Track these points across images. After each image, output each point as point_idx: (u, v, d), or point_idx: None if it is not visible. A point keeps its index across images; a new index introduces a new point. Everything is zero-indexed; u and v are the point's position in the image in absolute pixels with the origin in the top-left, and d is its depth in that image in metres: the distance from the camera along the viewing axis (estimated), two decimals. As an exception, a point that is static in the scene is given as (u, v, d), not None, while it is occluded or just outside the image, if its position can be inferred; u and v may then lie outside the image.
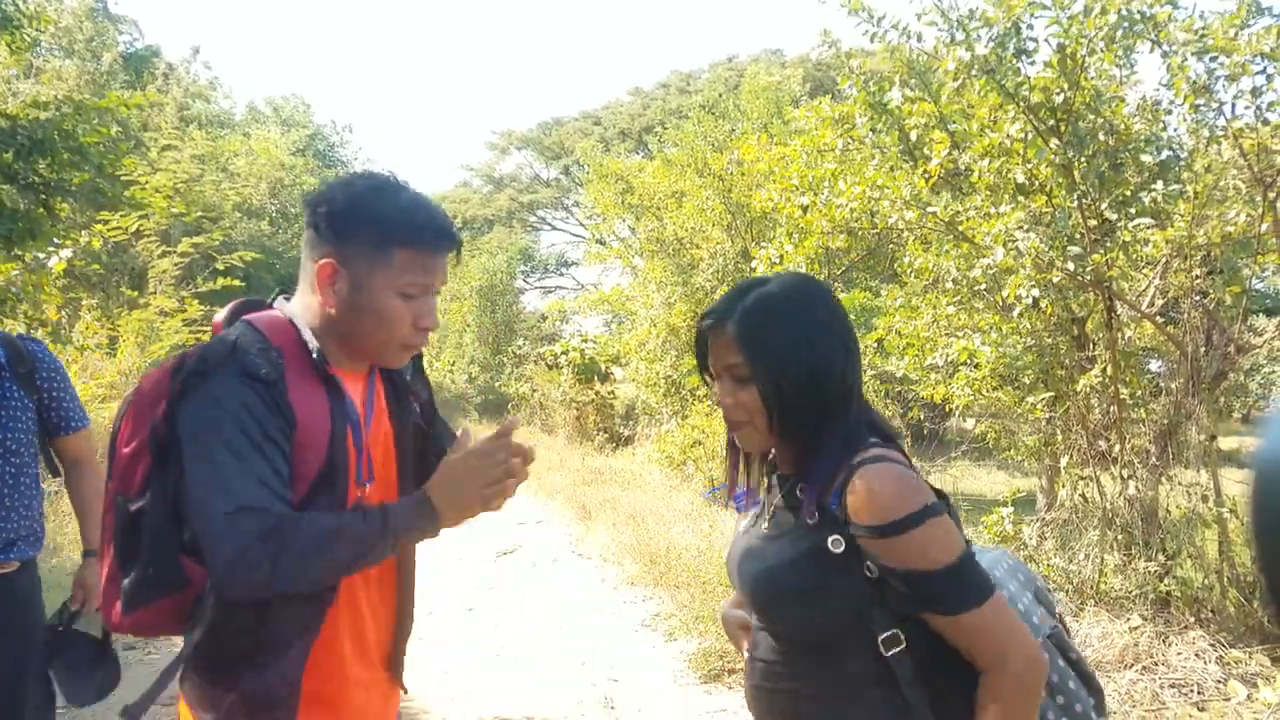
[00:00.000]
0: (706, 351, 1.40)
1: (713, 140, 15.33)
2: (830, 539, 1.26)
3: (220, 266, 12.02)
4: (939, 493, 1.29)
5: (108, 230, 6.27)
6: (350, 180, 1.47)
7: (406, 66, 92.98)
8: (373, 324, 1.42)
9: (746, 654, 1.42)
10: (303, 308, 1.45)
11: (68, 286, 5.69)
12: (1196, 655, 4.55)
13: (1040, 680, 1.23)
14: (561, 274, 42.95)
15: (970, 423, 9.32)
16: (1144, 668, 4.51)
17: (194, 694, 1.38)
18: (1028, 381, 6.14)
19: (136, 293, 10.96)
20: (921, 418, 10.86)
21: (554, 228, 42.54)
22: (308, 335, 1.41)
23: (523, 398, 19.37)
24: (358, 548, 1.28)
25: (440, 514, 1.32)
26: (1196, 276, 5.65)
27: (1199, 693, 4.29)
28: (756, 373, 1.32)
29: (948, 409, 7.13)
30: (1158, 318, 5.71)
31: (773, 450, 1.42)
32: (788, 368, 1.31)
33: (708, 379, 1.42)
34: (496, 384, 21.44)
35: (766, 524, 1.38)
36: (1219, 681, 4.33)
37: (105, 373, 9.19)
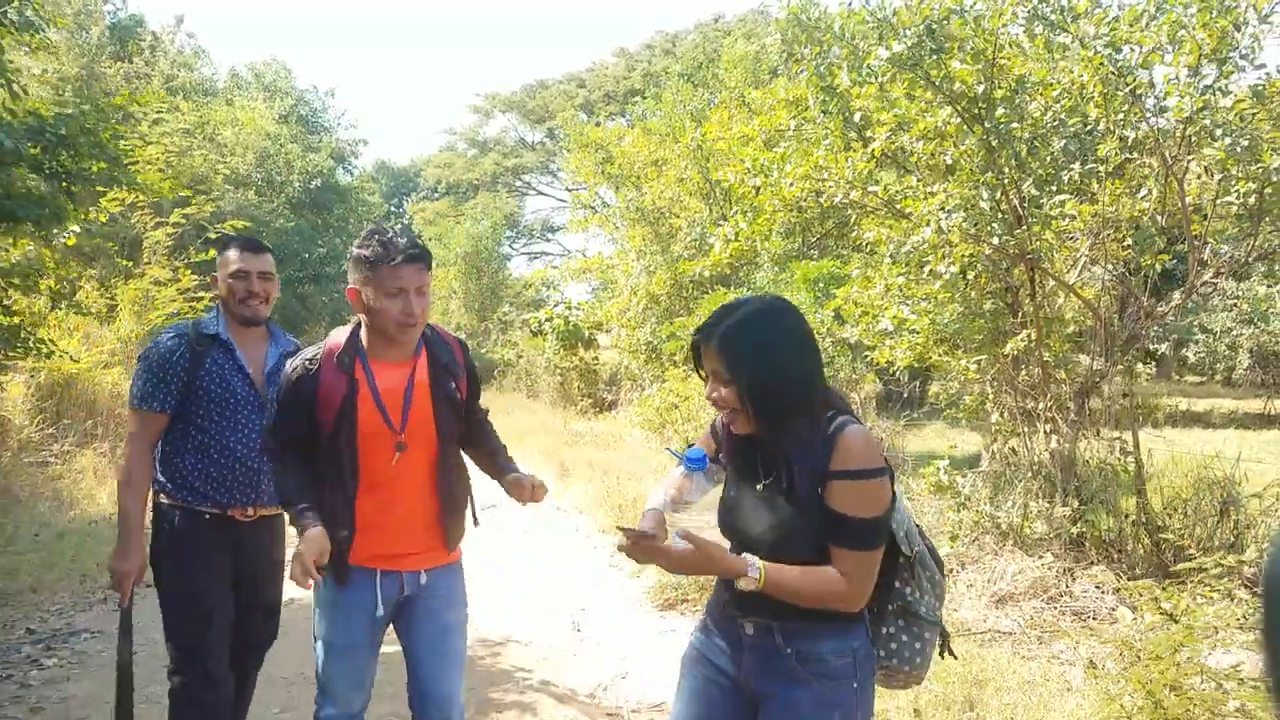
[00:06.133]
0: (700, 358, 1.82)
1: (691, 109, 15.71)
2: (817, 488, 1.70)
3: (212, 236, 12.42)
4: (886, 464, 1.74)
5: (107, 203, 6.70)
6: (357, 239, 2.30)
7: (388, 27, 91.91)
8: (378, 318, 2.24)
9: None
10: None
11: (63, 261, 6.14)
12: (1097, 588, 5.14)
13: (843, 606, 1.70)
14: (547, 239, 43.22)
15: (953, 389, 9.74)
16: (1050, 598, 5.10)
17: None
18: (975, 344, 6.63)
19: (131, 263, 11.34)
20: (903, 380, 11.42)
21: (539, 193, 42.72)
22: (355, 339, 2.31)
23: (508, 364, 19.84)
24: (285, 506, 2.30)
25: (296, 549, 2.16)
26: (1127, 247, 6.18)
27: (1094, 618, 4.89)
28: (734, 377, 1.74)
29: (892, 370, 7.67)
30: (1080, 287, 6.24)
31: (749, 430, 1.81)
32: (757, 373, 1.73)
33: (702, 376, 1.84)
34: (483, 350, 21.84)
35: (761, 486, 1.78)
36: (1112, 609, 4.93)
37: (105, 340, 9.65)
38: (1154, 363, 21.46)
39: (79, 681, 3.88)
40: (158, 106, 12.88)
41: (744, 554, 1.72)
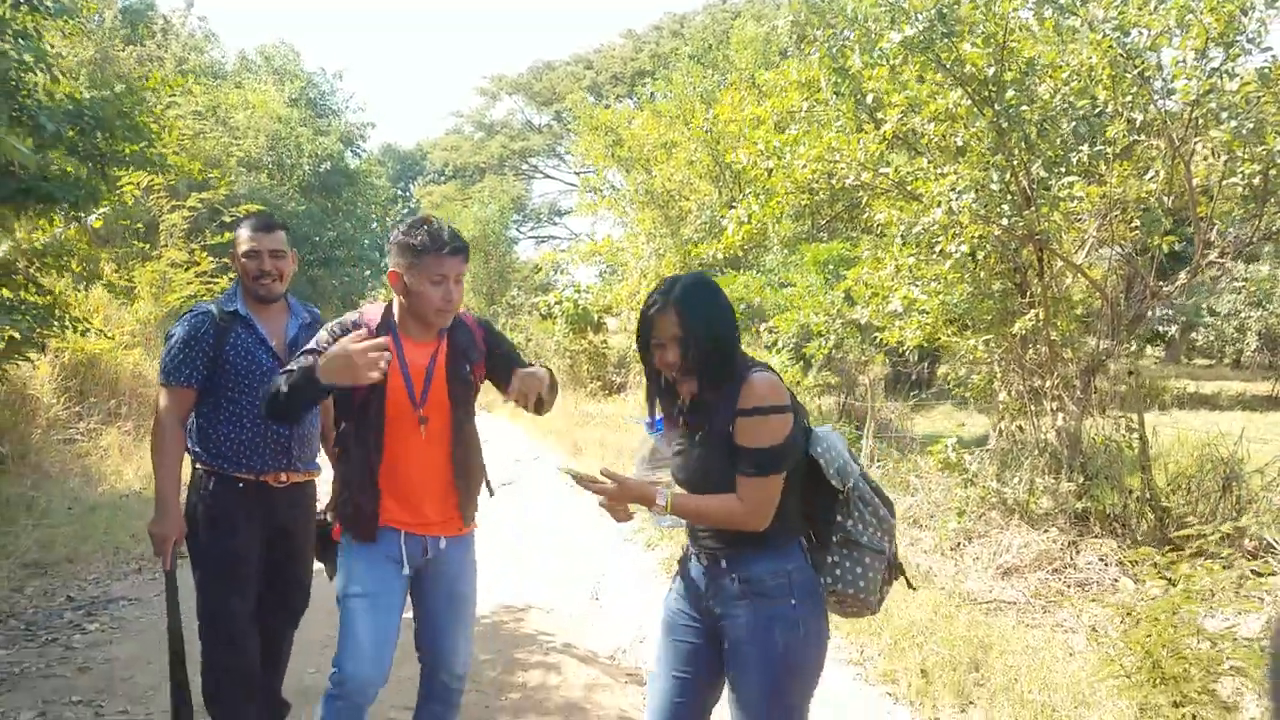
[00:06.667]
0: (650, 328, 2.06)
1: (701, 91, 15.75)
2: (730, 428, 1.97)
3: (227, 219, 12.55)
4: (794, 401, 2.01)
5: (126, 186, 6.84)
6: (401, 224, 2.41)
7: (394, 8, 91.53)
8: (418, 302, 2.36)
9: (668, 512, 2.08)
10: (396, 302, 2.46)
11: (91, 242, 6.30)
12: (1101, 560, 5.28)
13: (745, 526, 1.97)
14: (554, 223, 43.26)
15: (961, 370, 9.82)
16: (1054, 569, 5.24)
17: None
18: (984, 324, 6.72)
19: (148, 245, 11.49)
20: (911, 361, 11.52)
21: (546, 176, 42.71)
22: (389, 315, 2.44)
23: (518, 348, 19.95)
24: (276, 389, 2.27)
25: (321, 380, 2.19)
26: (1135, 228, 6.28)
27: (1097, 588, 5.02)
28: (686, 336, 2.00)
29: (901, 351, 7.78)
30: (1088, 268, 6.34)
31: (690, 390, 2.09)
32: (705, 331, 2.01)
33: (649, 350, 2.07)
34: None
35: (699, 436, 2.06)
36: (1115, 580, 5.06)
37: (124, 322, 9.82)
38: (1163, 345, 21.50)
39: (121, 644, 4.05)
40: (171, 90, 13.00)
41: (663, 490, 2.03)
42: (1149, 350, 20.43)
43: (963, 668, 3.66)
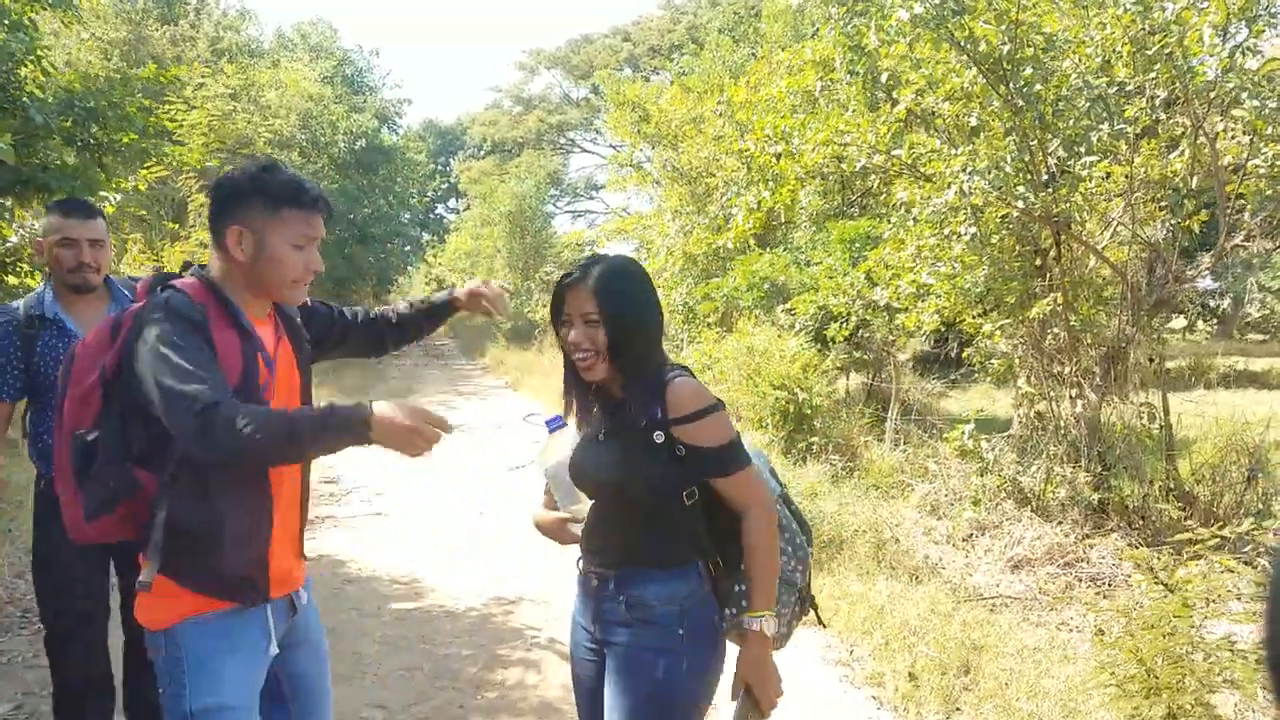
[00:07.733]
0: (563, 302, 1.87)
1: (730, 65, 15.47)
2: (654, 434, 1.80)
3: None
4: (718, 401, 1.87)
5: (146, 172, 6.89)
6: (242, 166, 1.86)
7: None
8: (273, 269, 1.80)
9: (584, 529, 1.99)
10: (217, 272, 1.83)
11: (114, 226, 6.34)
12: (1114, 554, 5.12)
13: (775, 520, 1.85)
14: (591, 197, 43.15)
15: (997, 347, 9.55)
16: (1065, 564, 5.09)
17: (171, 577, 1.74)
18: (1009, 307, 6.52)
19: (177, 225, 11.63)
20: (934, 340, 11.29)
21: (583, 150, 42.57)
22: (226, 293, 1.80)
23: (549, 324, 19.98)
24: (295, 428, 1.60)
25: (371, 437, 1.62)
26: (1162, 208, 6.04)
27: (1109, 585, 4.88)
28: (605, 315, 1.82)
29: (917, 333, 7.60)
30: (1113, 248, 6.12)
31: (599, 382, 1.90)
32: (625, 312, 1.84)
33: (558, 327, 1.90)
34: (525, 310, 21.94)
35: (601, 435, 1.91)
36: (1128, 576, 4.90)
37: (154, 303, 9.99)
38: (1216, 321, 20.87)
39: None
40: (201, 72, 13.11)
41: (747, 620, 1.83)
42: (1200, 325, 19.89)
43: (953, 671, 3.57)
